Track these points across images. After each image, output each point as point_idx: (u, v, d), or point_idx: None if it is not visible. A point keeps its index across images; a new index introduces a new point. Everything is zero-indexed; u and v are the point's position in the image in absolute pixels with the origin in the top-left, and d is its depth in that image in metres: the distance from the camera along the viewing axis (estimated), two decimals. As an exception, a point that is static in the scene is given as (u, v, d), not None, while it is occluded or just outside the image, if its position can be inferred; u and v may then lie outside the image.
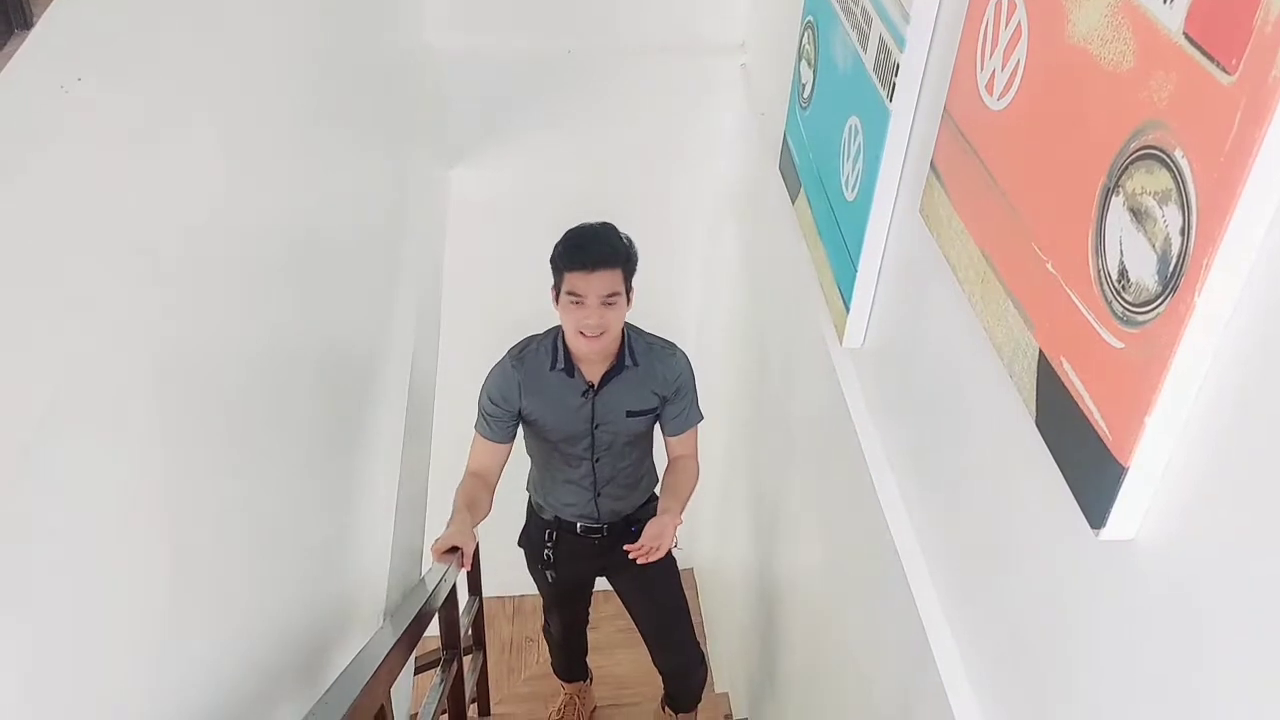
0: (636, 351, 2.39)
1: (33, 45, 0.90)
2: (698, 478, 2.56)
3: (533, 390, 2.39)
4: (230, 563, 1.51)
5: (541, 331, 2.43)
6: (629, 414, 2.43)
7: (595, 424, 2.43)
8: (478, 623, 3.53)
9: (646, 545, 2.30)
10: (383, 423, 2.58)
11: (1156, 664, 0.95)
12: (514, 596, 4.76)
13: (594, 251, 2.17)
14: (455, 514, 2.32)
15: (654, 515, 2.63)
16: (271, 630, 1.71)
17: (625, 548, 2.34)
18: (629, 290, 2.25)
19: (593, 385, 2.38)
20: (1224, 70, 0.81)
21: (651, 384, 2.41)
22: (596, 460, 2.50)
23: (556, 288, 2.24)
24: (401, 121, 3.04)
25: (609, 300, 2.19)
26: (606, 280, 2.18)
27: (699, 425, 2.53)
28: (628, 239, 2.25)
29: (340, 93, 2.28)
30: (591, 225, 2.24)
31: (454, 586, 2.62)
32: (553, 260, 2.23)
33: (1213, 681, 0.87)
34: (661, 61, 3.56)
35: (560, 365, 2.37)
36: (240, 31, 1.58)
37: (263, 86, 1.69)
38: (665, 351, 2.44)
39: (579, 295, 2.18)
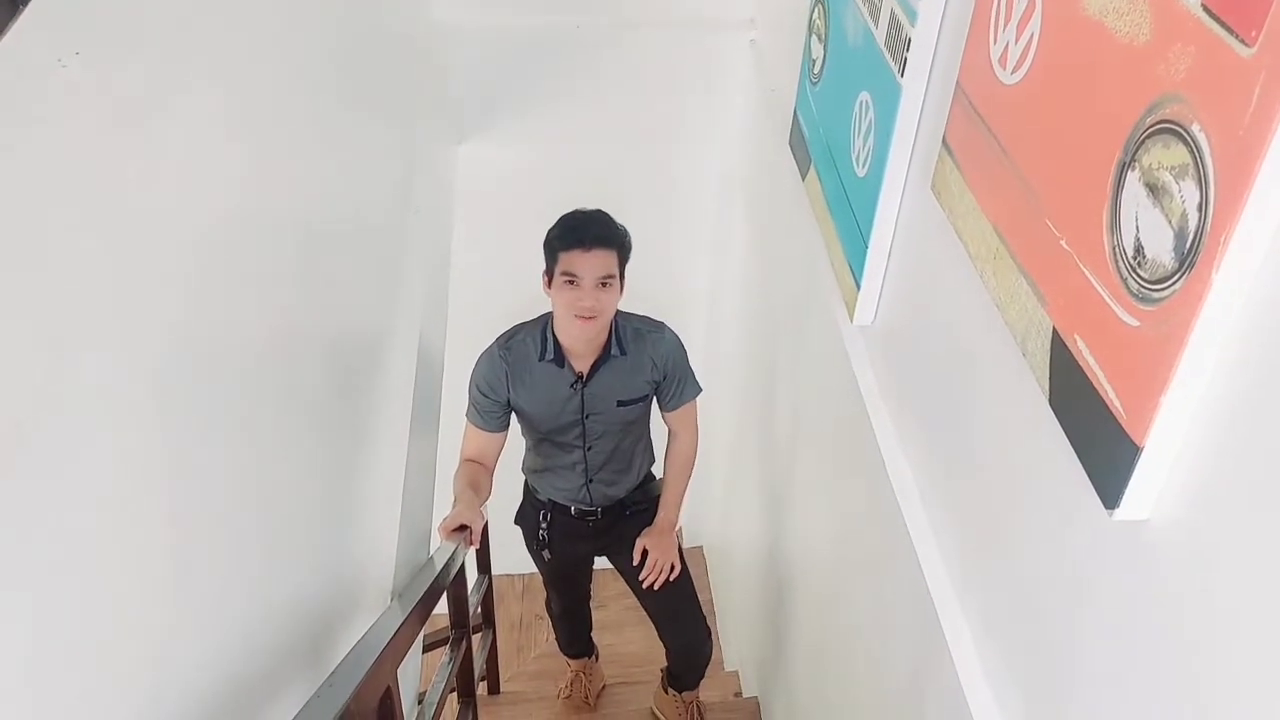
0: (625, 339, 2.36)
1: (27, 19, 0.88)
2: (695, 452, 2.58)
3: (520, 380, 2.37)
4: (239, 543, 1.51)
5: (531, 319, 2.39)
6: (620, 404, 2.41)
7: (586, 414, 2.41)
8: (487, 601, 3.54)
9: (656, 569, 2.50)
10: (390, 402, 2.58)
11: (1170, 645, 0.94)
12: (523, 575, 4.77)
13: (591, 231, 2.16)
14: (460, 494, 2.32)
15: (649, 497, 2.64)
16: (280, 610, 1.72)
17: (640, 578, 2.53)
18: (622, 278, 2.23)
19: (581, 376, 2.36)
20: (1243, 42, 0.79)
21: (642, 373, 2.39)
22: (589, 448, 2.49)
23: (550, 272, 2.21)
24: (409, 98, 3.02)
25: (604, 281, 2.17)
26: (602, 260, 2.16)
27: (698, 397, 2.51)
28: (623, 227, 2.23)
29: (347, 69, 2.26)
30: (586, 210, 2.23)
31: (462, 565, 2.62)
32: (547, 242, 2.20)
33: (1228, 664, 0.86)
34: (670, 37, 3.54)
35: (549, 356, 2.33)
36: (244, 7, 1.56)
37: (268, 63, 1.68)
38: (654, 335, 2.40)
39: (575, 275, 2.15)
